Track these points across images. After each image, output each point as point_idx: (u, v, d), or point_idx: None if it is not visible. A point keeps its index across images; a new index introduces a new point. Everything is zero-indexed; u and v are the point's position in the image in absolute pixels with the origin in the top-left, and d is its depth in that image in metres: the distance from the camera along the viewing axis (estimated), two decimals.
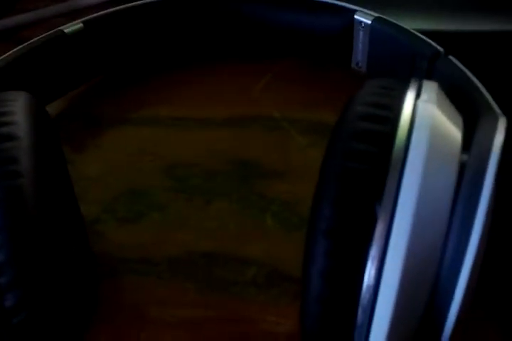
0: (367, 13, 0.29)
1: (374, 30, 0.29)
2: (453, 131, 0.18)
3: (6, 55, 0.27)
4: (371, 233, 0.16)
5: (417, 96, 0.18)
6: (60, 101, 0.30)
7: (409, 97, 0.18)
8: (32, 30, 0.36)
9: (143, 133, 0.29)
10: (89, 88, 0.31)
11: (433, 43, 0.26)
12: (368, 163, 0.17)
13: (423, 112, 0.18)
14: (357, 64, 0.30)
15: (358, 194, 0.16)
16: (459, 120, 0.18)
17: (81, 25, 0.30)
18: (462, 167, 0.17)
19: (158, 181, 0.27)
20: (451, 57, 0.25)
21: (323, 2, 0.30)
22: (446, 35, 0.29)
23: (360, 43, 0.29)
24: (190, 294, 0.23)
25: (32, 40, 0.29)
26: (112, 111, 0.30)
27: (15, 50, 0.28)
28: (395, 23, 0.28)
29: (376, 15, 0.29)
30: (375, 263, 0.16)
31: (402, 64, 0.28)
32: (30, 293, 0.17)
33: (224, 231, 0.25)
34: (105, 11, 0.30)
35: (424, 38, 0.27)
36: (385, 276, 0.16)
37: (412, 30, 0.27)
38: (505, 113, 0.20)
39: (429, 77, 0.25)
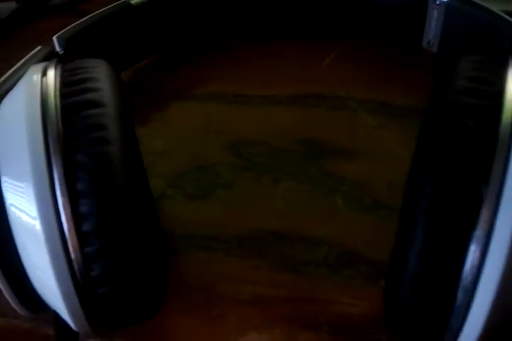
0: None
1: (450, 8, 0.27)
2: None
3: (73, 25, 0.27)
4: (477, 213, 0.15)
5: None
6: (123, 73, 0.29)
7: None
8: (91, 3, 0.36)
9: (207, 108, 0.29)
10: (153, 62, 0.31)
11: None
12: (474, 139, 0.16)
13: None
14: (428, 43, 0.29)
15: (465, 171, 0.16)
16: None
17: None
18: None
19: (224, 158, 0.27)
20: None
21: None
22: None
23: (434, 21, 0.28)
24: (261, 272, 0.22)
25: (98, 11, 0.28)
26: (175, 86, 0.30)
27: (82, 20, 0.27)
28: (472, 1, 0.27)
29: None
30: (480, 244, 0.15)
31: (479, 43, 0.27)
32: (116, 264, 0.17)
33: (293, 210, 0.25)
34: None
35: (505, 16, 0.26)
36: (490, 258, 0.15)
37: (492, 8, 0.26)
38: None
39: None
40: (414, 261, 0.16)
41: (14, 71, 0.23)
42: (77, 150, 0.17)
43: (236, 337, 0.21)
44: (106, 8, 0.28)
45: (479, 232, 0.15)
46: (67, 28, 0.27)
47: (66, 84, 0.18)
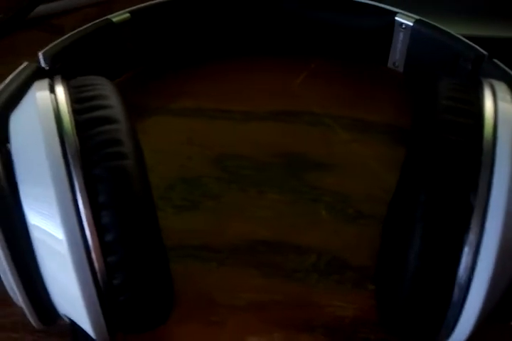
0: (408, 16, 0.30)
1: (415, 31, 0.30)
2: None
3: (58, 41, 0.27)
4: (468, 219, 0.17)
5: (494, 94, 0.20)
6: None
7: (488, 94, 0.20)
8: (62, 18, 0.36)
9: (187, 123, 0.30)
10: (131, 77, 0.31)
11: (476, 46, 0.28)
12: (461, 153, 0.18)
13: (504, 108, 0.19)
14: (394, 63, 0.32)
15: (455, 182, 0.17)
16: None
17: (128, 15, 0.30)
18: None
19: (209, 171, 0.28)
20: (495, 60, 0.27)
21: (366, 3, 0.31)
22: (479, 40, 0.30)
23: (400, 44, 0.31)
24: (255, 279, 0.24)
25: (80, 28, 0.29)
26: (153, 101, 0.31)
27: (65, 37, 0.28)
28: (436, 26, 0.29)
29: (417, 17, 0.30)
30: (472, 246, 0.17)
31: (442, 65, 0.29)
32: (138, 271, 0.17)
33: (279, 220, 0.26)
34: (152, 2, 0.31)
35: (466, 41, 0.28)
36: (481, 259, 0.17)
37: (454, 33, 0.29)
38: None
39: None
40: (414, 262, 0.17)
41: (7, 85, 0.24)
42: (95, 165, 0.17)
43: None
44: (88, 25, 0.29)
45: (471, 236, 0.17)
46: (52, 45, 0.27)
47: (76, 100, 0.19)
